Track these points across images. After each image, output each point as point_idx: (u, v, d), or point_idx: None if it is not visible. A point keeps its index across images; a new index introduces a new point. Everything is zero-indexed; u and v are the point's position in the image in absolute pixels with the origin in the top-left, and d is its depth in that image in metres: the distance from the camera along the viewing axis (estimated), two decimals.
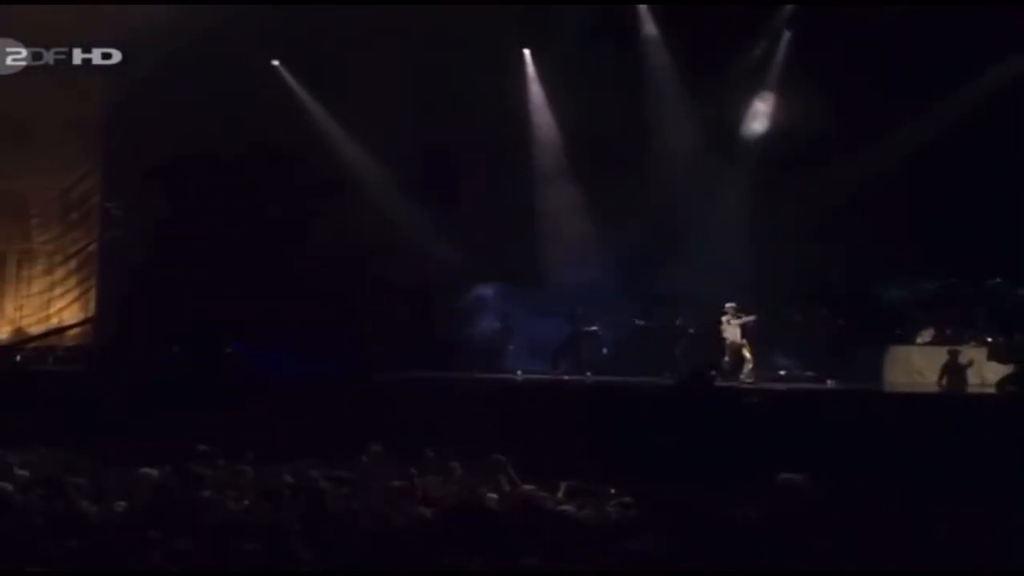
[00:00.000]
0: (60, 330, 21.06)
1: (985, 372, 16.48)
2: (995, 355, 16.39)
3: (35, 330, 21.33)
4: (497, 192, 19.66)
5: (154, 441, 11.99)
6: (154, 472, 9.92)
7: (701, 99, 19.45)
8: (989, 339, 16.92)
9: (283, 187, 19.95)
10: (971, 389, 16.28)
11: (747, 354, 17.44)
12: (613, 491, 9.61)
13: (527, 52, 20.43)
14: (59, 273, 21.55)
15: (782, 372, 17.86)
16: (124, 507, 8.74)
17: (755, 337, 17.57)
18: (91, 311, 21.24)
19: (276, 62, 20.23)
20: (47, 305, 21.51)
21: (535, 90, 20.40)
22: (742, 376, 17.31)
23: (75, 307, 21.41)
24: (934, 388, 16.61)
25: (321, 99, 20.29)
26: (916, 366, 17.52)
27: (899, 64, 17.93)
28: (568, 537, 8.06)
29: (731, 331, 17.60)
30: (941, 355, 16.92)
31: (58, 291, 21.51)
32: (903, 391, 16.80)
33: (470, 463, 10.83)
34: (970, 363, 16.52)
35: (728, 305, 17.65)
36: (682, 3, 19.20)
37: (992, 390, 15.76)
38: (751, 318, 17.56)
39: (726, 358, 17.56)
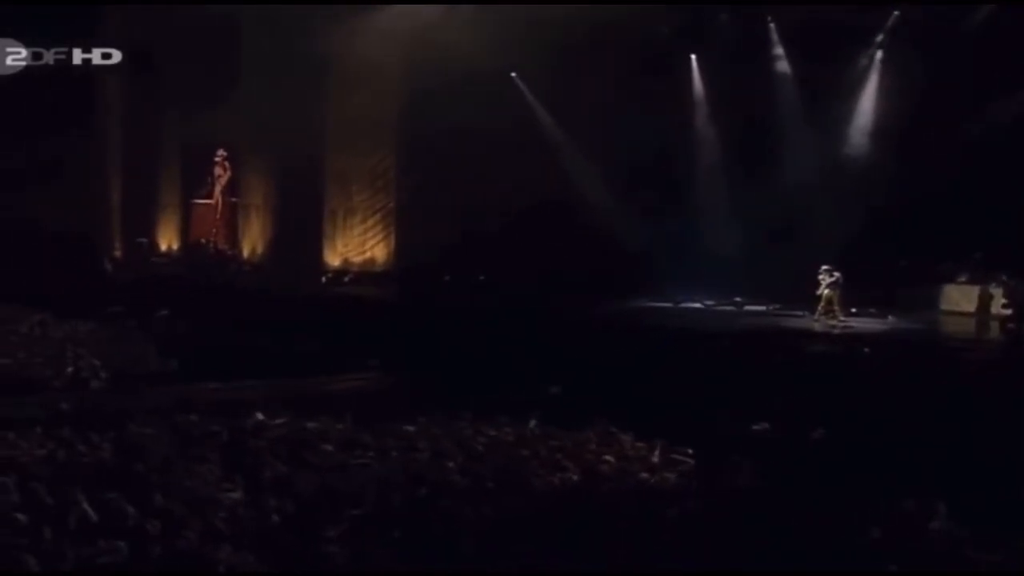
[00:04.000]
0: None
1: (1000, 308, 20.68)
2: (1006, 295, 20.48)
3: (356, 260, 29.71)
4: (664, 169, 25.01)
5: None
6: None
7: (815, 100, 24.30)
8: (1004, 279, 20.73)
9: (514, 159, 25.25)
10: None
11: (835, 302, 21.08)
12: (691, 451, 10.57)
13: (693, 57, 26.06)
14: (369, 223, 29.41)
15: (853, 310, 21.51)
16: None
17: (841, 289, 21.03)
18: (391, 250, 29.23)
19: (513, 74, 26.77)
20: (363, 244, 29.58)
21: (698, 90, 26.10)
22: (831, 320, 20.81)
23: (381, 245, 29.34)
24: (969, 314, 21.70)
25: (539, 99, 26.72)
26: (955, 299, 22.66)
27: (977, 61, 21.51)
28: (629, 502, 8.98)
29: (824, 285, 20.99)
30: (974, 291, 22.08)
31: (369, 235, 29.49)
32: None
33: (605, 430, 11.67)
34: (992, 298, 21.42)
35: (824, 267, 21.05)
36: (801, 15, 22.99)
37: None
38: (839, 275, 20.96)
39: (821, 307, 21.14)
